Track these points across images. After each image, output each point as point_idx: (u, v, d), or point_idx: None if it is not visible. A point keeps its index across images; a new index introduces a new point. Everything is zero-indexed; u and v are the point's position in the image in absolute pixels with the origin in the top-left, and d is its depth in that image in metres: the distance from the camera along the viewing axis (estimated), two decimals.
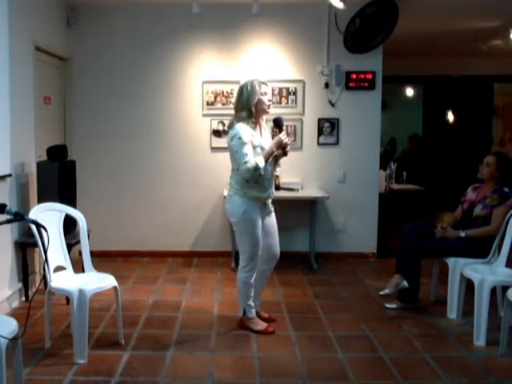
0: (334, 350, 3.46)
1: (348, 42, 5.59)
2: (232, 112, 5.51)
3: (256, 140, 3.57)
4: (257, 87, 3.55)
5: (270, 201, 3.72)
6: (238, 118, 3.59)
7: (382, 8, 5.34)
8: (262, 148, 3.59)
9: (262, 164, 3.48)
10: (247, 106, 3.55)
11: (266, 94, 3.60)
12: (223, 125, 5.73)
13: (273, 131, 3.99)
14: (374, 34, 5.46)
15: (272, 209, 3.76)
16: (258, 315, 3.89)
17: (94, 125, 5.77)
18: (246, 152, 3.47)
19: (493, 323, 3.59)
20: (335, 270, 5.44)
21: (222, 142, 5.75)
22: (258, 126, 3.65)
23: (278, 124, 3.67)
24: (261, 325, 3.76)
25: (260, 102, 3.56)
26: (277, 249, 3.85)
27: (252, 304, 3.77)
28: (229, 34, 5.71)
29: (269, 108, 3.62)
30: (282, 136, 3.56)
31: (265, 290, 4.08)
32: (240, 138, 3.47)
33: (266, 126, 3.84)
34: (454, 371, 3.16)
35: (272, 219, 3.80)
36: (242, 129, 3.51)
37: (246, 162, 3.46)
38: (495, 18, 6.06)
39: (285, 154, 3.63)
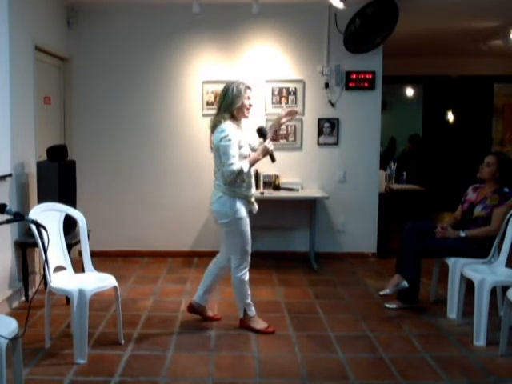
0: (334, 349, 3.46)
1: (348, 42, 5.59)
2: None
3: (242, 140, 3.59)
4: (242, 90, 3.56)
5: (253, 198, 3.72)
6: (222, 118, 3.57)
7: (382, 8, 5.33)
8: (244, 147, 3.60)
9: (246, 169, 3.52)
10: (230, 109, 3.56)
11: (249, 98, 3.62)
12: None
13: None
14: (374, 33, 5.46)
15: (257, 206, 3.73)
16: (205, 313, 3.96)
17: (94, 125, 5.77)
18: (233, 154, 3.47)
19: (493, 323, 3.59)
20: (335, 270, 5.44)
21: None
22: (240, 126, 3.68)
23: (262, 133, 3.71)
24: (261, 324, 3.76)
25: (243, 105, 3.57)
26: None
27: (251, 302, 3.78)
28: (229, 34, 5.70)
29: (248, 113, 3.64)
30: (268, 144, 3.60)
31: (260, 290, 4.05)
32: (230, 140, 3.47)
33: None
34: (453, 371, 3.16)
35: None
36: (231, 129, 3.51)
37: (231, 164, 3.46)
38: (495, 17, 6.06)
39: (272, 160, 3.66)
